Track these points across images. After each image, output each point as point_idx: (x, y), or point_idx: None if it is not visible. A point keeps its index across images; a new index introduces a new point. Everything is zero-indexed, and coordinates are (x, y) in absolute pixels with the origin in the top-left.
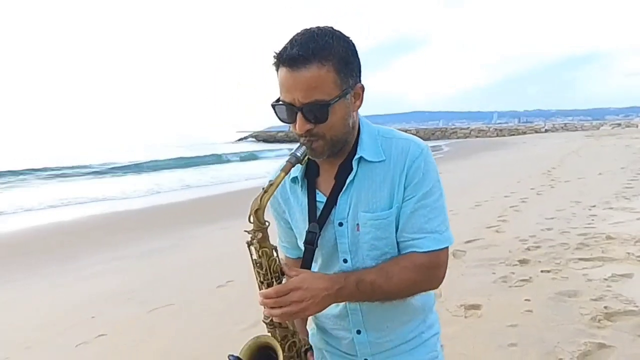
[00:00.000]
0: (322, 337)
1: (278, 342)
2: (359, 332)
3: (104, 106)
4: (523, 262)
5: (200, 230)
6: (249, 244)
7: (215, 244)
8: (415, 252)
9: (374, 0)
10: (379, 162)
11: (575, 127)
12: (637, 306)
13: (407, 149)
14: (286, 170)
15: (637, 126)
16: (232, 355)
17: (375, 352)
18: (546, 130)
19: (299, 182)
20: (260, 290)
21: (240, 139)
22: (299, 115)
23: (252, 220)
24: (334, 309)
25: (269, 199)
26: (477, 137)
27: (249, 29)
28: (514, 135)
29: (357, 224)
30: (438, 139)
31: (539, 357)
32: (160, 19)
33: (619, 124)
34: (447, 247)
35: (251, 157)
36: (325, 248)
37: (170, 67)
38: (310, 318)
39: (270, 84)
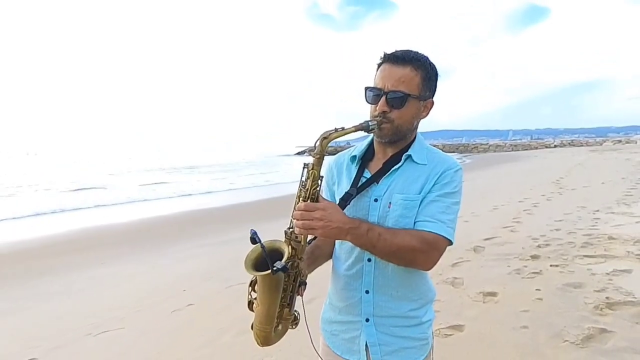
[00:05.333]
0: (332, 302)
1: (288, 251)
2: (367, 292)
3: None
4: (534, 257)
5: (270, 225)
6: (305, 166)
7: (281, 236)
8: (423, 230)
9: None
10: (422, 164)
11: (581, 143)
12: (635, 297)
13: (448, 161)
14: (356, 128)
15: (636, 142)
16: (253, 230)
17: (376, 314)
18: (555, 146)
19: (356, 161)
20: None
21: (298, 153)
22: (383, 98)
23: (316, 145)
24: (352, 268)
25: (336, 137)
26: (494, 151)
27: (303, 55)
28: (527, 150)
29: (390, 203)
30: (461, 153)
31: (547, 338)
32: (228, 39)
33: (620, 141)
34: (448, 239)
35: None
36: (357, 216)
37: (243, 85)
38: (329, 292)
39: (325, 104)
